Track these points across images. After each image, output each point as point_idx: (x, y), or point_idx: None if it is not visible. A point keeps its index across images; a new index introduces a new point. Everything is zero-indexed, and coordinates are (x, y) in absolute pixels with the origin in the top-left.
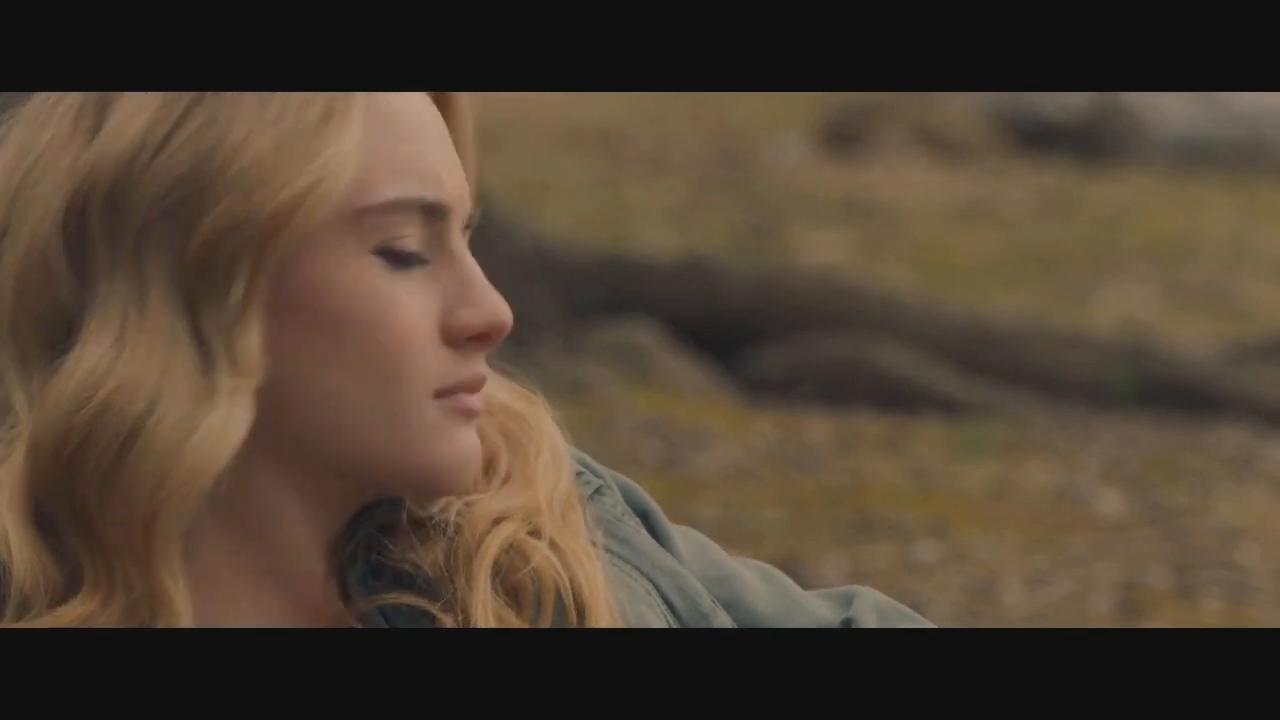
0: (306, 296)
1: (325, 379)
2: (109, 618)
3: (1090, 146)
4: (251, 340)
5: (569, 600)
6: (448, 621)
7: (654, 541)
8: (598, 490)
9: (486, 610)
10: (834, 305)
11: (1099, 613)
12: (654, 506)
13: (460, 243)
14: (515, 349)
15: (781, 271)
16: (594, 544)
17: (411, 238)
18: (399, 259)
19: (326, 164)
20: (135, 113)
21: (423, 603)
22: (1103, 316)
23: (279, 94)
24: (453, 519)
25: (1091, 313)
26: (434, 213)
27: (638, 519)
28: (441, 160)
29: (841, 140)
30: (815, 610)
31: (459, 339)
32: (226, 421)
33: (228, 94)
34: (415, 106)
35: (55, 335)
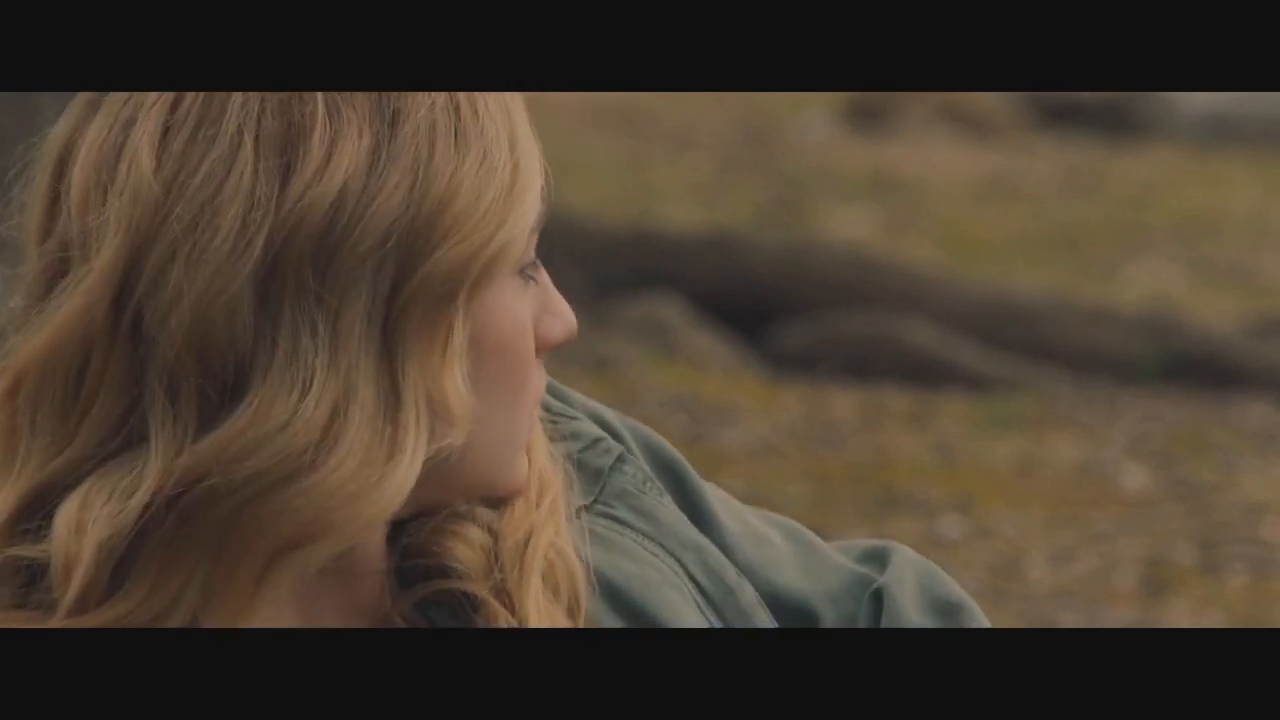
0: (481, 330)
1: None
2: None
3: (1115, 123)
4: (459, 386)
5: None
6: (498, 608)
7: (677, 512)
8: (618, 459)
9: (539, 600)
10: (859, 281)
11: (1123, 589)
12: (679, 457)
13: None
14: None
15: (807, 248)
16: (618, 520)
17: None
18: (527, 278)
19: (527, 197)
20: (332, 151)
21: (473, 588)
22: (1128, 292)
23: (470, 124)
24: (498, 523)
25: (1117, 289)
26: (538, 226)
27: (660, 486)
28: None
29: (866, 117)
30: (844, 571)
31: (542, 349)
32: (401, 478)
33: (418, 127)
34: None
35: (221, 383)
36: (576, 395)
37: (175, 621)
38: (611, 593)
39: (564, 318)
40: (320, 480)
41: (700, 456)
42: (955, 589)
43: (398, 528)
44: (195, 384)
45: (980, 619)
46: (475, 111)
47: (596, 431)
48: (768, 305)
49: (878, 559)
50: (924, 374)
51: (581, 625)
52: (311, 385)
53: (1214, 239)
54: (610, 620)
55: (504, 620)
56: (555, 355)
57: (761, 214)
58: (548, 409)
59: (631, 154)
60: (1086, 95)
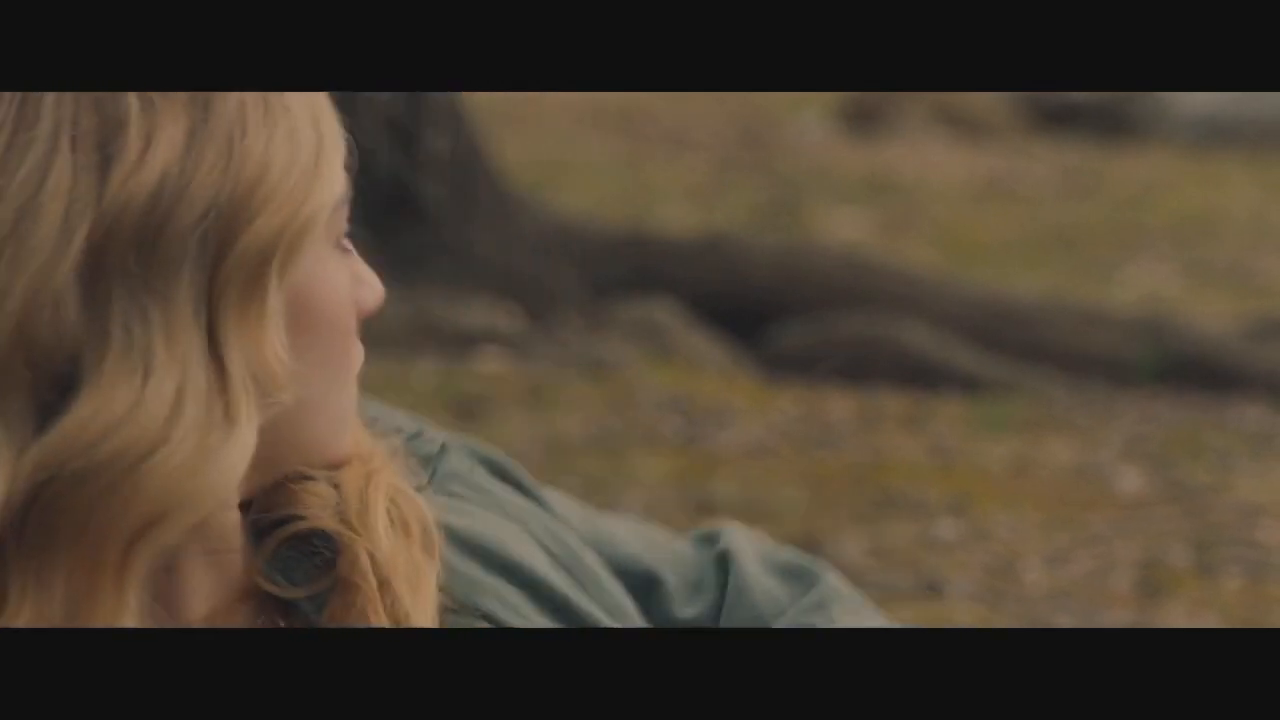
0: (300, 300)
1: (306, 382)
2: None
3: (1112, 125)
4: (278, 352)
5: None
6: (351, 535)
7: (510, 490)
8: (443, 447)
9: (386, 526)
10: (855, 283)
11: (1119, 591)
12: (507, 459)
13: None
14: (538, 326)
15: (803, 249)
16: (456, 495)
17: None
18: (343, 250)
19: (333, 168)
20: (150, 140)
21: (325, 524)
22: (1124, 294)
23: (276, 104)
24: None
25: (1113, 290)
26: (346, 199)
27: (486, 469)
28: None
29: (863, 118)
30: (683, 542)
31: (359, 318)
32: (240, 446)
33: (229, 110)
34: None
35: (53, 378)
36: (394, 412)
37: (57, 623)
38: (464, 540)
39: (374, 286)
40: (165, 458)
41: (695, 458)
42: (794, 554)
43: (249, 506)
44: (27, 382)
45: (830, 575)
46: (280, 94)
47: (417, 425)
48: (764, 307)
49: (710, 538)
50: (920, 376)
51: (437, 559)
52: (152, 369)
53: (1212, 240)
54: (467, 565)
55: (360, 546)
56: (553, 357)
57: (758, 216)
58: (365, 415)
59: (629, 155)
60: (1083, 96)
